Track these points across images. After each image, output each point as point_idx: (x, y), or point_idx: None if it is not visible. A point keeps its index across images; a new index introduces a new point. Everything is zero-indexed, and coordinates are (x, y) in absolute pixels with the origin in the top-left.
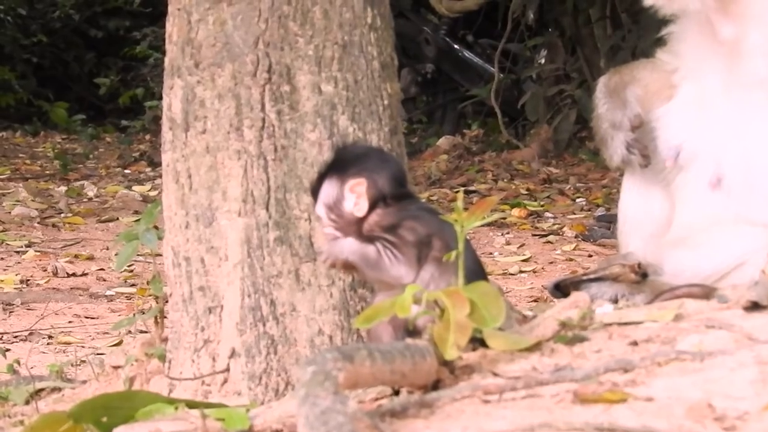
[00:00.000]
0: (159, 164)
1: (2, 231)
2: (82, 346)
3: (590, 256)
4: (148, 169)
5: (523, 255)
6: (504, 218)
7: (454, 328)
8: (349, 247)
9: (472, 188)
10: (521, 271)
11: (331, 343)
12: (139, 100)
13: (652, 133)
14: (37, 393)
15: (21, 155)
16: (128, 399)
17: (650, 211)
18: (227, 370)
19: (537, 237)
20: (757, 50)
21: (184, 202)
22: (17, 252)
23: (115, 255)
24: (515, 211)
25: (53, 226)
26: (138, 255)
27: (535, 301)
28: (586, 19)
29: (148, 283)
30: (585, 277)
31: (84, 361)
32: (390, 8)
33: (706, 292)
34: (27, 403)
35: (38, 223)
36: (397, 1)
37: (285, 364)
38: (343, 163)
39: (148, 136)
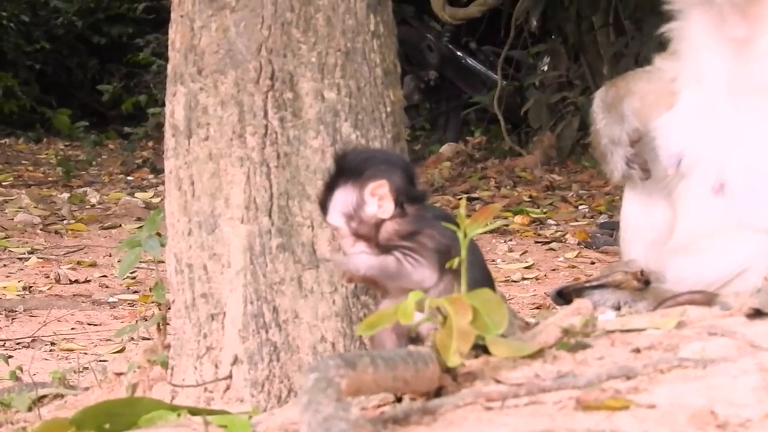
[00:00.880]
0: (162, 171)
1: (5, 238)
2: (85, 353)
3: (593, 263)
4: (150, 176)
5: (526, 262)
6: (507, 225)
7: (456, 335)
8: (365, 262)
9: (475, 195)
10: (524, 279)
11: (334, 350)
12: (142, 106)
13: (653, 143)
14: (40, 400)
15: (24, 162)
16: (131, 406)
17: (652, 219)
18: (230, 377)
19: (540, 244)
20: (766, 53)
21: (187, 209)
22: (20, 259)
23: (118, 262)
24: (518, 219)
25: (56, 232)
26: (141, 262)
27: (537, 308)
28: (589, 26)
29: (150, 290)
30: (587, 284)
31: (86, 368)
32: (393, 15)
33: (707, 299)
34: (29, 409)
35: (41, 229)
36: (400, 8)
37: (287, 371)
38: (354, 168)
39: (150, 143)
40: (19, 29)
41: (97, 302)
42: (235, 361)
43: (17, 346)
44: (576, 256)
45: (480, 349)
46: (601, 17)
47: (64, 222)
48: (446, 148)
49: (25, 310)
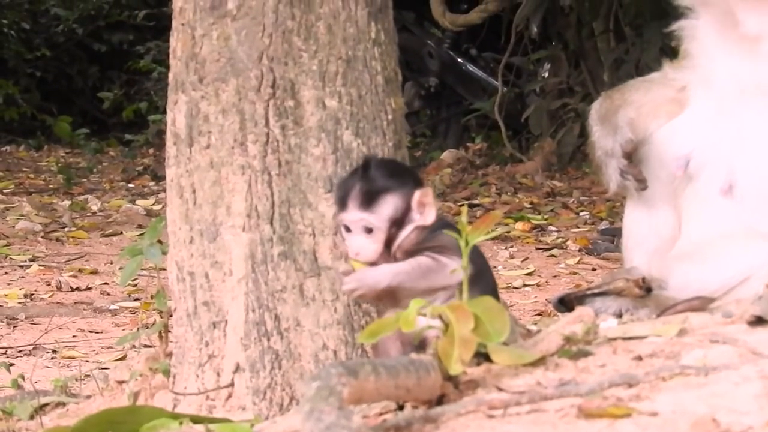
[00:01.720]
0: (163, 178)
1: (6, 245)
2: (86, 361)
3: (594, 269)
4: (151, 183)
5: (527, 269)
6: (508, 232)
7: (458, 343)
8: (386, 272)
9: (475, 202)
10: (525, 285)
11: (336, 358)
12: (143, 114)
13: (658, 148)
14: (42, 408)
15: (25, 169)
16: (132, 414)
17: (655, 226)
18: (231, 385)
19: (541, 250)
20: None
21: (189, 217)
22: (21, 266)
23: (119, 269)
24: (519, 225)
25: (57, 240)
26: (142, 269)
27: (538, 314)
28: (589, 32)
29: (152, 297)
30: (589, 292)
31: (88, 376)
32: (393, 22)
33: (704, 304)
34: (31, 418)
35: (42, 237)
36: (401, 15)
37: (289, 378)
38: (398, 175)
39: (151, 150)
40: (20, 37)
41: (99, 310)
42: (237, 369)
43: (19, 354)
44: (577, 263)
45: (482, 356)
46: (601, 24)
47: (65, 229)
48: (447, 155)
49: (26, 318)
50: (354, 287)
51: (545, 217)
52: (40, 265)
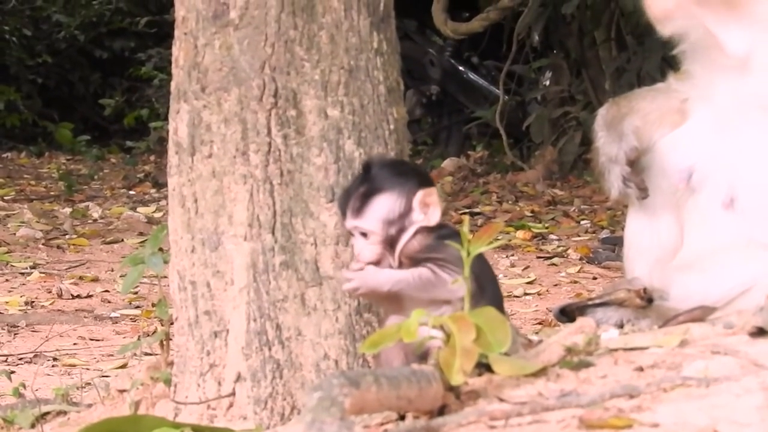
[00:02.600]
0: (164, 185)
1: (7, 252)
2: (87, 369)
3: (595, 278)
4: (152, 190)
5: (528, 277)
6: (509, 240)
7: (460, 354)
8: (388, 278)
9: (476, 210)
10: (526, 294)
11: (337, 368)
12: (144, 121)
13: (661, 159)
14: (43, 416)
15: (26, 176)
16: (134, 423)
17: (657, 236)
18: (233, 394)
19: (541, 259)
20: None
21: (190, 226)
22: (22, 273)
23: (120, 277)
24: (520, 234)
25: (58, 247)
26: (143, 277)
27: (539, 323)
28: (591, 41)
29: (153, 305)
30: (590, 302)
31: (89, 384)
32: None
33: (706, 313)
34: (33, 426)
35: (43, 244)
36: (402, 23)
37: (290, 388)
38: (399, 175)
39: (152, 157)
40: (22, 43)
41: (100, 317)
42: (238, 378)
43: (20, 362)
44: (578, 272)
45: (483, 367)
46: (603, 32)
47: (66, 237)
48: (448, 163)
49: (27, 325)
50: (356, 286)
51: (546, 225)
52: (40, 273)
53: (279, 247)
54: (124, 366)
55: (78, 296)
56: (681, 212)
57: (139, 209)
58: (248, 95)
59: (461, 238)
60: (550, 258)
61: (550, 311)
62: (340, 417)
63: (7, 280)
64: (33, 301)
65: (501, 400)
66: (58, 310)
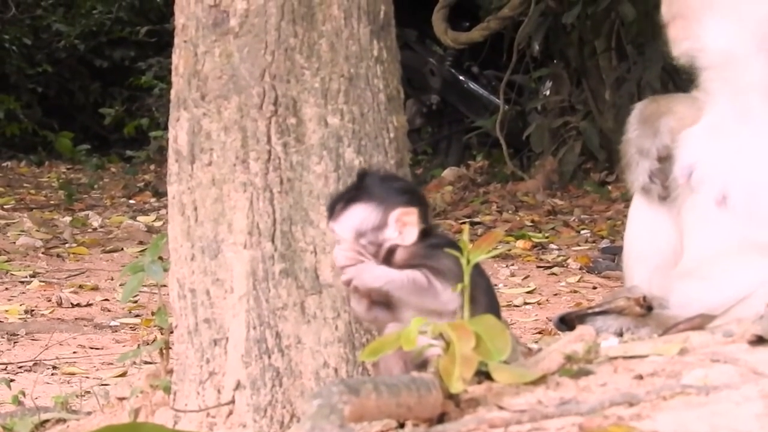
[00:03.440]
0: (164, 194)
1: (7, 261)
2: (87, 377)
3: (595, 288)
4: (152, 200)
5: (528, 287)
6: (509, 250)
7: (459, 361)
8: (389, 276)
9: (476, 220)
10: (526, 303)
11: (337, 376)
12: (144, 130)
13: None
14: (42, 424)
15: (26, 185)
16: (133, 431)
17: (657, 242)
18: (232, 402)
19: (541, 269)
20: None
21: (190, 234)
22: (22, 282)
23: (120, 286)
24: (520, 243)
25: (58, 256)
26: (143, 286)
27: (539, 332)
28: (591, 50)
29: (153, 313)
30: (590, 311)
31: (89, 392)
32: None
33: (706, 321)
34: None
35: (43, 253)
36: (403, 33)
37: (290, 396)
38: (383, 190)
39: (152, 167)
40: (22, 52)
41: (99, 326)
42: (238, 386)
43: (19, 370)
44: (578, 281)
45: (483, 375)
46: (603, 42)
47: (66, 245)
48: (448, 173)
49: (27, 334)
50: (350, 278)
51: (546, 235)
52: (40, 281)
53: (279, 255)
54: (123, 374)
55: (78, 305)
56: (681, 217)
57: (139, 218)
58: (248, 103)
59: (456, 246)
60: (550, 267)
61: (550, 320)
62: (339, 424)
63: (6, 289)
64: (33, 310)
65: (500, 408)
66: (58, 318)
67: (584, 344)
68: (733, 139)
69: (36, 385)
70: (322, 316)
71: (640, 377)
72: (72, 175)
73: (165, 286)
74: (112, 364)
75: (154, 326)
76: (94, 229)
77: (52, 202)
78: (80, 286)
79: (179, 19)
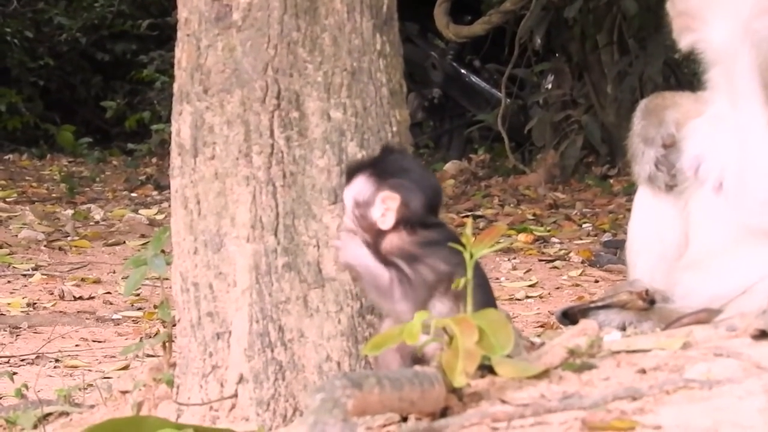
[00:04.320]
0: (165, 188)
1: (9, 254)
2: (89, 370)
3: (596, 281)
4: (154, 193)
5: (530, 280)
6: (510, 244)
7: (462, 356)
8: (363, 260)
9: (478, 213)
10: (528, 297)
11: (339, 370)
12: (146, 123)
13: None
14: (45, 417)
15: (27, 178)
16: (136, 424)
17: (661, 234)
18: (235, 395)
19: (543, 262)
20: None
21: (193, 227)
22: (24, 275)
23: (122, 279)
24: (522, 237)
25: (60, 249)
26: (145, 279)
27: (541, 326)
28: (593, 44)
29: (155, 307)
30: (592, 305)
31: (91, 386)
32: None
33: (711, 316)
34: (35, 427)
35: (45, 246)
36: (405, 27)
37: (293, 390)
38: (386, 168)
39: (154, 160)
40: (23, 46)
41: (102, 319)
42: (241, 379)
43: (22, 363)
44: (580, 275)
45: (486, 369)
46: (605, 36)
47: (68, 238)
48: (450, 166)
49: (29, 327)
50: (336, 251)
51: (548, 228)
52: (42, 274)
53: (281, 249)
54: (126, 367)
55: (80, 298)
56: (686, 209)
57: (140, 211)
58: (251, 97)
59: (456, 242)
60: (552, 261)
61: (552, 314)
62: (342, 419)
63: (9, 282)
64: (35, 303)
65: (503, 402)
66: (60, 311)
67: (587, 338)
68: (730, 130)
69: (38, 378)
70: (325, 310)
71: (643, 371)
72: (74, 168)
73: (168, 279)
74: (114, 357)
75: (157, 320)
76: (96, 222)
77: (54, 195)
78: (82, 279)
79: (182, 13)
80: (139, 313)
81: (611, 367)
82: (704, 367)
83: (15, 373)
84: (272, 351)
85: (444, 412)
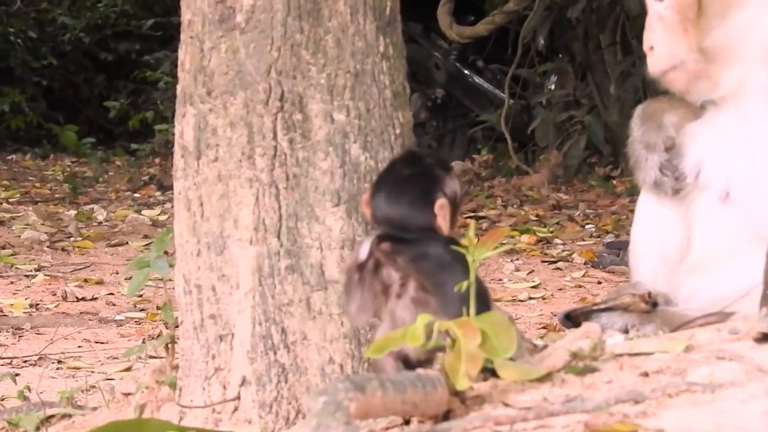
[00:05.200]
0: (169, 188)
1: (12, 255)
2: (92, 372)
3: (599, 282)
4: (157, 193)
5: (533, 281)
6: (513, 245)
7: (465, 358)
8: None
9: (481, 214)
10: (530, 298)
11: (342, 372)
12: (149, 123)
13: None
14: (48, 419)
15: (30, 178)
16: (139, 427)
17: (664, 237)
18: (238, 398)
19: (546, 263)
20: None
21: (196, 229)
22: (27, 276)
23: (125, 280)
24: (525, 238)
25: (63, 250)
26: (148, 280)
27: (544, 327)
28: (596, 45)
29: (158, 308)
30: (595, 307)
31: (94, 387)
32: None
33: (722, 319)
34: (37, 429)
35: (48, 246)
36: (408, 27)
37: (296, 392)
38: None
39: (157, 160)
40: (27, 45)
41: (104, 320)
42: (244, 382)
43: (24, 364)
44: (583, 276)
45: (489, 372)
46: (608, 36)
47: (71, 239)
48: (453, 166)
49: (32, 328)
50: None
51: (551, 229)
52: (45, 275)
53: (284, 251)
54: (129, 369)
55: (83, 299)
56: (688, 213)
57: (143, 212)
58: (254, 99)
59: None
60: (554, 262)
61: (555, 316)
62: (345, 421)
63: (11, 283)
64: (38, 304)
65: (506, 405)
66: (63, 312)
67: (590, 341)
68: (736, 139)
69: (41, 379)
70: (328, 312)
71: (646, 374)
72: (77, 168)
73: (171, 281)
74: (117, 358)
75: (160, 321)
76: (99, 223)
77: (56, 195)
78: (85, 280)
79: (185, 15)
80: (142, 315)
81: (614, 370)
82: (707, 370)
83: (17, 375)
84: (275, 353)
85: (447, 415)
